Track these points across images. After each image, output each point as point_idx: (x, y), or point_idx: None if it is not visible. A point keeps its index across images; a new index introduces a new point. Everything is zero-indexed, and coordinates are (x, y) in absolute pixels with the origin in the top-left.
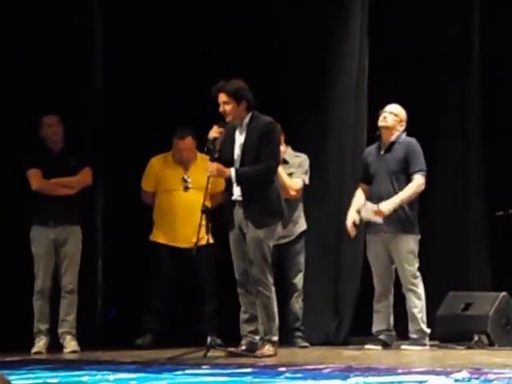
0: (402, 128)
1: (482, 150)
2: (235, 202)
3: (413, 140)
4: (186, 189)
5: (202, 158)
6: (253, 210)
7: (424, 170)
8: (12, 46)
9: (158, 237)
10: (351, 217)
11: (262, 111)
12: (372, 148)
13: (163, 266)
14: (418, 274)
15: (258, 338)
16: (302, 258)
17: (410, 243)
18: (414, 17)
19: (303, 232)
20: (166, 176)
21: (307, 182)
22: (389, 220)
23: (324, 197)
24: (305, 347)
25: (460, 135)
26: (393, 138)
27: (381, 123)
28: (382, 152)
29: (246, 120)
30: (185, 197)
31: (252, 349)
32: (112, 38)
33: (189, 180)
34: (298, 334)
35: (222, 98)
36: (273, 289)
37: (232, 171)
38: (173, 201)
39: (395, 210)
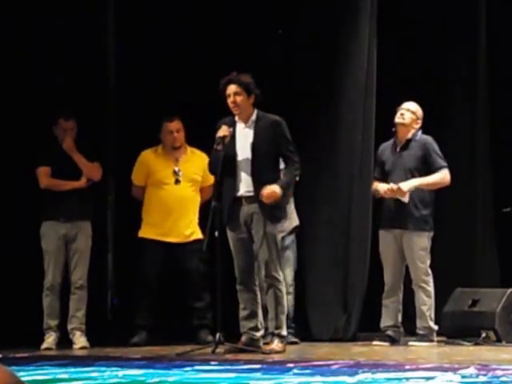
0: (418, 126)
1: (490, 147)
2: (241, 198)
3: (429, 138)
4: (177, 182)
5: (192, 152)
6: (269, 206)
7: (447, 165)
8: (26, 44)
9: (148, 233)
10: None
11: (271, 109)
12: (387, 145)
13: (155, 263)
14: (429, 271)
15: (258, 334)
16: (291, 253)
17: (423, 240)
18: (420, 12)
19: (295, 227)
20: (156, 169)
21: (297, 178)
22: (402, 216)
23: (333, 193)
24: (295, 343)
25: (468, 135)
26: (409, 136)
27: (398, 120)
28: (397, 149)
29: (253, 117)
30: (176, 190)
31: (252, 345)
32: (125, 36)
33: (180, 173)
34: (289, 330)
35: (233, 89)
36: (284, 283)
37: (277, 189)
38: (164, 194)
39: (408, 205)
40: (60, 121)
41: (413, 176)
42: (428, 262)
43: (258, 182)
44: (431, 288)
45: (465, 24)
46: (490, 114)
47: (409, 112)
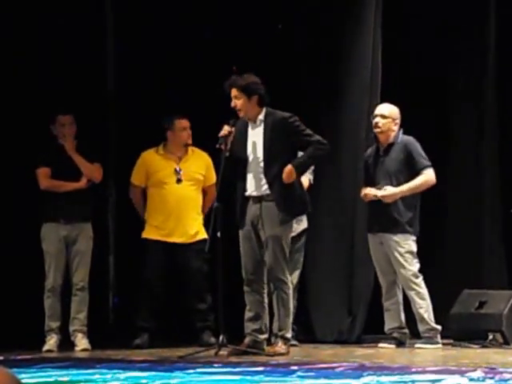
0: (397, 126)
1: (498, 148)
2: (249, 197)
3: (410, 138)
4: (179, 181)
5: (192, 151)
6: (281, 207)
7: (431, 164)
8: (26, 44)
9: (151, 233)
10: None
11: (274, 108)
12: (371, 150)
13: (158, 264)
14: (418, 273)
15: (261, 336)
16: (300, 256)
17: (409, 243)
18: (425, 11)
19: (304, 230)
20: (157, 168)
21: (312, 181)
22: (386, 220)
23: (337, 194)
24: (293, 345)
25: (475, 136)
26: (391, 140)
27: (375, 130)
28: (381, 153)
29: (261, 116)
30: (177, 189)
31: (255, 347)
32: (124, 37)
33: (181, 172)
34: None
35: (234, 92)
36: (291, 286)
37: (289, 166)
38: (165, 194)
39: (392, 209)
40: (57, 118)
41: (396, 179)
42: (417, 266)
43: (271, 180)
44: (423, 289)
45: (472, 21)
46: (497, 112)
47: (382, 118)
